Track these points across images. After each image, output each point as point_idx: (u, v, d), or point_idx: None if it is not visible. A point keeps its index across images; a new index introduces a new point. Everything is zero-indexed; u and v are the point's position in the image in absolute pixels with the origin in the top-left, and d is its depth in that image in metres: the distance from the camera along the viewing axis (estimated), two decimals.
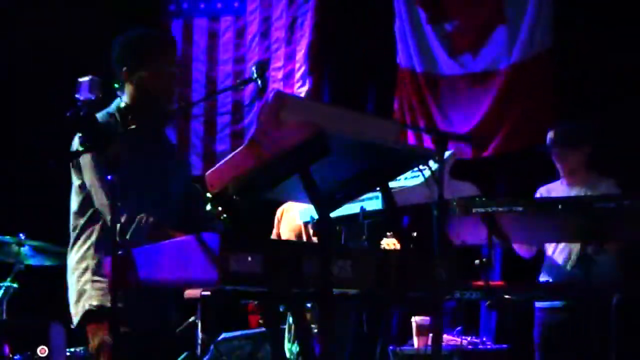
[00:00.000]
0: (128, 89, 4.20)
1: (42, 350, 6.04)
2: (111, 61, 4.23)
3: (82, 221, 4.10)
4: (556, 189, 6.40)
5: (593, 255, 5.42)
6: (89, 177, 4.02)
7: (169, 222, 4.01)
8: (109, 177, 3.50)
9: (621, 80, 7.25)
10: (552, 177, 6.47)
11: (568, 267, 6.18)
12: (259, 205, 4.00)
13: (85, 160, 3.99)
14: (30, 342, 6.03)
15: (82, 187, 4.08)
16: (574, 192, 6.29)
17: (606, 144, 6.50)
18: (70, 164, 4.09)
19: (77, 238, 4.13)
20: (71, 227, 4.17)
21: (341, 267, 3.28)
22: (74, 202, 4.15)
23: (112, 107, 4.18)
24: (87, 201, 4.06)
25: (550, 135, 6.33)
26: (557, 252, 6.28)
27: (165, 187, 4.20)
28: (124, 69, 4.18)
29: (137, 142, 4.11)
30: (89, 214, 4.07)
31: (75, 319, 4.11)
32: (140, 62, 4.17)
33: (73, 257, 4.14)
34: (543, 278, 6.30)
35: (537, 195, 6.44)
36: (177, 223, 4.05)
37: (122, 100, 4.19)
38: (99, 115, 4.01)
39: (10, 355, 5.93)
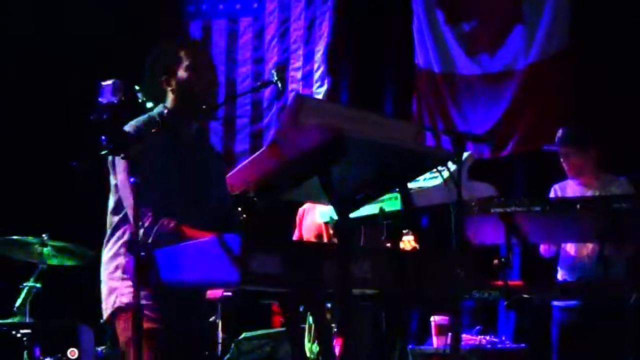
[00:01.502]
0: (169, 95, 4.26)
1: (72, 353, 6.07)
2: (149, 77, 4.29)
3: (116, 219, 4.17)
4: (570, 187, 6.41)
5: (610, 255, 5.44)
6: (119, 178, 4.08)
7: (206, 225, 4.03)
8: (132, 179, 3.53)
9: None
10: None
11: (586, 266, 6.18)
12: (281, 206, 4.04)
13: (118, 161, 4.05)
14: (60, 344, 6.07)
15: (117, 187, 4.14)
16: (588, 191, 6.29)
17: (618, 144, 6.49)
18: (108, 164, 4.15)
19: (111, 235, 4.20)
20: (107, 224, 4.24)
21: (360, 268, 3.30)
22: (111, 201, 4.22)
23: (154, 112, 4.24)
24: (121, 201, 4.13)
25: (558, 134, 6.35)
26: (575, 251, 6.29)
27: (203, 191, 4.23)
28: (163, 77, 4.24)
29: (172, 146, 4.17)
30: (122, 213, 4.12)
31: (105, 313, 4.17)
32: (176, 65, 4.24)
33: (106, 253, 4.21)
34: (561, 277, 6.31)
35: (552, 192, 6.45)
36: (215, 226, 4.07)
37: (164, 106, 4.25)
38: (140, 119, 4.08)
39: (41, 358, 5.96)
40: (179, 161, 4.19)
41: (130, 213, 3.96)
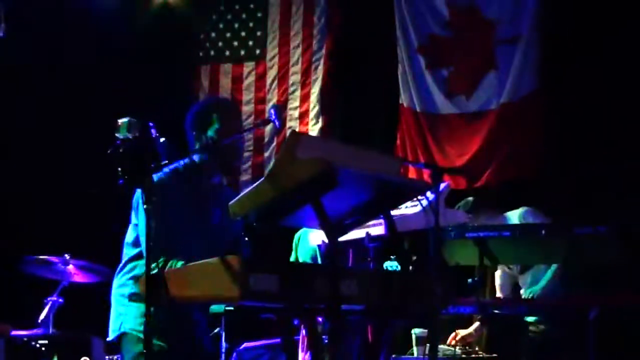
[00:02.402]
0: (197, 148, 4.27)
1: None
2: (185, 128, 4.32)
3: (131, 253, 4.18)
4: None
5: (572, 275, 5.45)
6: (141, 221, 4.07)
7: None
8: (149, 224, 3.52)
9: (607, 118, 7.27)
10: (536, 205, 6.51)
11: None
12: (279, 231, 4.05)
13: (141, 204, 4.03)
14: (75, 354, 6.08)
15: (136, 225, 4.14)
16: None
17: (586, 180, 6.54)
18: (133, 202, 4.15)
19: (124, 265, 4.23)
20: (123, 254, 4.23)
21: (348, 286, 3.31)
22: (129, 235, 4.22)
23: (181, 163, 4.24)
24: (138, 239, 4.13)
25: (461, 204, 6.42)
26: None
27: (218, 236, 4.23)
28: (194, 133, 4.26)
29: (192, 194, 4.17)
30: (137, 250, 4.13)
31: (112, 335, 4.19)
32: (207, 125, 4.25)
33: (117, 280, 4.23)
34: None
35: None
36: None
37: (191, 158, 4.25)
38: (165, 170, 4.07)
39: None
40: (199, 209, 4.19)
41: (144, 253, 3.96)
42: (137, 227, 4.14)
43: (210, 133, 4.24)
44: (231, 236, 4.28)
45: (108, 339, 4.26)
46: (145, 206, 3.48)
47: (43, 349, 5.94)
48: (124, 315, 4.11)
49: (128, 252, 4.20)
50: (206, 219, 4.22)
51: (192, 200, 4.17)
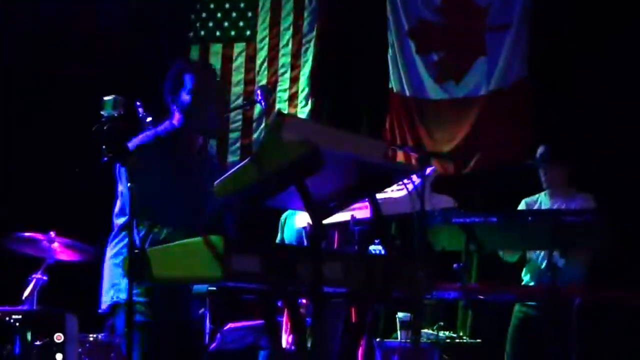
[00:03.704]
0: (175, 113, 4.25)
1: (58, 337, 6.10)
2: (163, 96, 4.30)
3: (120, 222, 4.16)
4: (541, 201, 6.43)
5: (559, 263, 5.45)
6: (123, 186, 4.07)
7: (201, 232, 4.02)
8: (129, 185, 3.52)
9: (592, 107, 7.28)
10: (526, 192, 6.50)
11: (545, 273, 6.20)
12: (264, 212, 4.03)
13: (123, 171, 4.03)
14: (48, 330, 6.08)
15: (122, 194, 4.13)
16: (555, 204, 6.31)
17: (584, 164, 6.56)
18: (115, 173, 4.14)
19: (114, 236, 4.21)
20: (113, 225, 4.23)
21: (331, 268, 3.29)
22: (116, 206, 4.21)
23: (161, 127, 4.23)
24: (124, 207, 4.11)
25: (540, 150, 6.38)
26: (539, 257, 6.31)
27: (201, 201, 4.22)
28: (170, 97, 4.24)
29: (174, 158, 4.16)
30: (126, 218, 4.11)
31: (104, 305, 4.17)
32: (179, 87, 4.23)
33: (110, 251, 4.21)
34: (525, 279, 6.33)
35: (522, 205, 6.47)
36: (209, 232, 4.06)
37: (171, 123, 4.24)
38: (147, 134, 4.08)
39: (32, 342, 5.97)
40: (182, 172, 4.18)
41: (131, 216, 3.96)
42: (122, 195, 4.13)
43: (184, 95, 4.21)
44: (215, 203, 4.25)
45: (100, 310, 4.24)
46: (128, 184, 3.47)
47: (17, 324, 5.92)
48: (118, 285, 4.09)
49: (118, 221, 4.19)
50: (189, 184, 4.20)
51: (174, 165, 4.15)
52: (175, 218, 4.01)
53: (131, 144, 3.99)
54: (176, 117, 4.25)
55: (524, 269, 6.37)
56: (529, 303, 6.16)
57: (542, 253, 6.20)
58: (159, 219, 3.96)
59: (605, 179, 6.79)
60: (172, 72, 4.31)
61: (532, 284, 6.20)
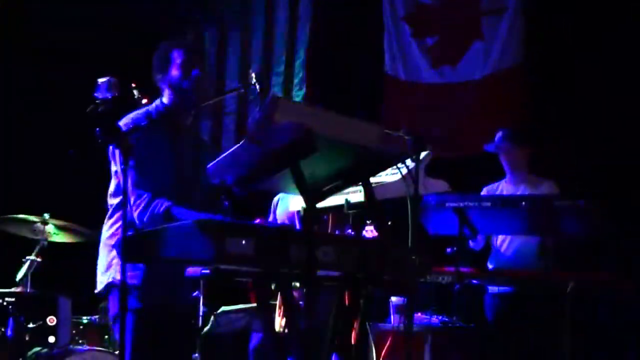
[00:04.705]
0: (165, 91, 4.27)
1: (51, 320, 6.14)
2: (153, 76, 4.32)
3: (115, 202, 4.17)
4: (503, 188, 6.47)
5: (551, 248, 5.48)
6: (118, 166, 4.08)
7: (197, 207, 4.04)
8: (122, 166, 3.54)
9: (590, 90, 7.30)
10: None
11: (524, 258, 6.24)
12: (257, 195, 4.05)
13: (117, 151, 4.05)
14: (41, 313, 6.11)
15: (117, 173, 4.15)
16: (519, 190, 6.34)
17: (546, 147, 6.60)
18: (109, 154, 4.15)
19: (110, 216, 4.22)
20: (108, 206, 4.24)
21: (325, 252, 3.31)
22: (111, 185, 4.22)
23: (152, 106, 4.26)
24: (119, 186, 4.13)
25: (498, 134, 6.43)
26: (505, 244, 6.36)
27: (195, 176, 4.24)
28: (159, 75, 4.26)
29: (168, 135, 4.18)
30: (120, 197, 4.12)
31: (100, 286, 4.19)
32: (167, 64, 4.24)
33: (105, 232, 4.22)
34: (490, 266, 6.38)
35: (483, 192, 6.51)
36: (205, 208, 4.08)
37: (161, 101, 4.26)
38: (138, 112, 4.09)
39: (25, 324, 5.99)
40: (175, 149, 4.20)
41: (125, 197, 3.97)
42: (117, 174, 4.14)
43: (173, 71, 4.23)
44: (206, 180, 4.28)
45: (96, 291, 4.26)
46: (122, 166, 3.48)
47: (10, 307, 5.94)
48: (115, 266, 4.11)
49: (113, 201, 4.20)
50: (182, 161, 4.22)
51: (167, 143, 4.17)
52: (173, 193, 4.03)
53: (122, 123, 4.00)
54: (166, 94, 4.28)
55: (489, 258, 6.43)
56: (504, 292, 6.21)
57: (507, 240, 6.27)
58: (159, 193, 3.98)
59: (566, 164, 6.82)
60: (159, 50, 4.34)
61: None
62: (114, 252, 4.08)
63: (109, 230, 4.21)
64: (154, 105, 4.28)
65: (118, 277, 4.03)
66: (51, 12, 8.32)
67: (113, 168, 4.19)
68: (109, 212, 4.23)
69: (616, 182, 6.90)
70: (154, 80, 4.33)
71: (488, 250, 6.51)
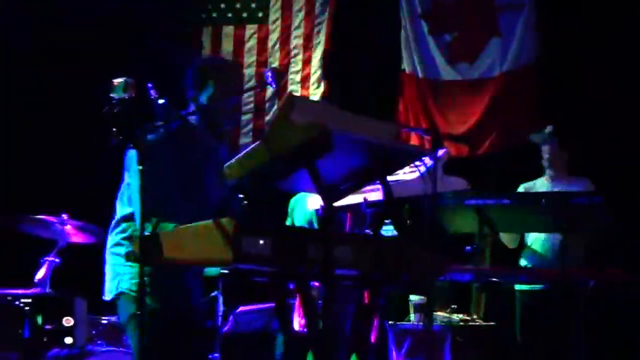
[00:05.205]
0: (192, 107, 4.23)
1: (68, 321, 6.14)
2: (184, 84, 4.28)
3: (124, 212, 4.15)
4: (541, 185, 6.42)
5: (570, 245, 5.45)
6: (133, 180, 4.04)
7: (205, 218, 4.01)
8: (139, 168, 3.50)
9: (599, 91, 7.27)
10: (535, 173, 6.50)
11: (548, 255, 6.20)
12: (275, 195, 4.03)
13: (133, 162, 4.00)
14: (58, 314, 6.11)
15: (129, 185, 4.12)
16: (556, 188, 6.30)
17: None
18: (125, 161, 4.12)
19: (116, 225, 4.18)
20: (115, 212, 4.22)
21: (342, 251, 3.30)
22: (122, 194, 4.19)
23: (173, 125, 4.19)
24: (130, 199, 4.11)
25: (549, 128, 6.37)
26: (538, 241, 6.31)
27: (207, 202, 4.20)
28: (191, 93, 4.22)
29: (185, 157, 4.14)
30: (130, 210, 4.11)
31: (109, 295, 4.17)
32: (202, 88, 4.21)
33: (111, 240, 4.19)
34: (523, 263, 6.33)
35: (520, 189, 6.47)
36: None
37: (186, 117, 4.22)
38: (159, 133, 4.03)
39: (41, 325, 6.01)
40: (188, 170, 4.15)
41: (136, 207, 3.95)
42: (129, 186, 4.12)
43: (203, 97, 4.19)
44: (218, 197, 4.24)
45: (105, 299, 4.25)
46: (139, 167, 3.46)
47: (27, 308, 5.96)
48: (121, 275, 4.10)
49: (121, 210, 4.18)
50: (198, 183, 4.19)
51: (184, 163, 4.13)
52: (181, 214, 3.98)
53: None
54: (190, 115, 4.22)
55: (522, 254, 6.39)
56: (532, 289, 6.18)
57: (544, 237, 6.23)
58: (166, 215, 3.92)
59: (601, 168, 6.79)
60: (197, 68, 4.27)
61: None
62: (120, 260, 4.06)
63: (114, 238, 4.18)
64: (175, 124, 4.18)
65: (125, 285, 4.04)
66: (51, 12, 8.32)
67: (126, 179, 4.14)
68: (115, 220, 4.20)
69: (624, 183, 6.87)
70: (182, 89, 4.27)
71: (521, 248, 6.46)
